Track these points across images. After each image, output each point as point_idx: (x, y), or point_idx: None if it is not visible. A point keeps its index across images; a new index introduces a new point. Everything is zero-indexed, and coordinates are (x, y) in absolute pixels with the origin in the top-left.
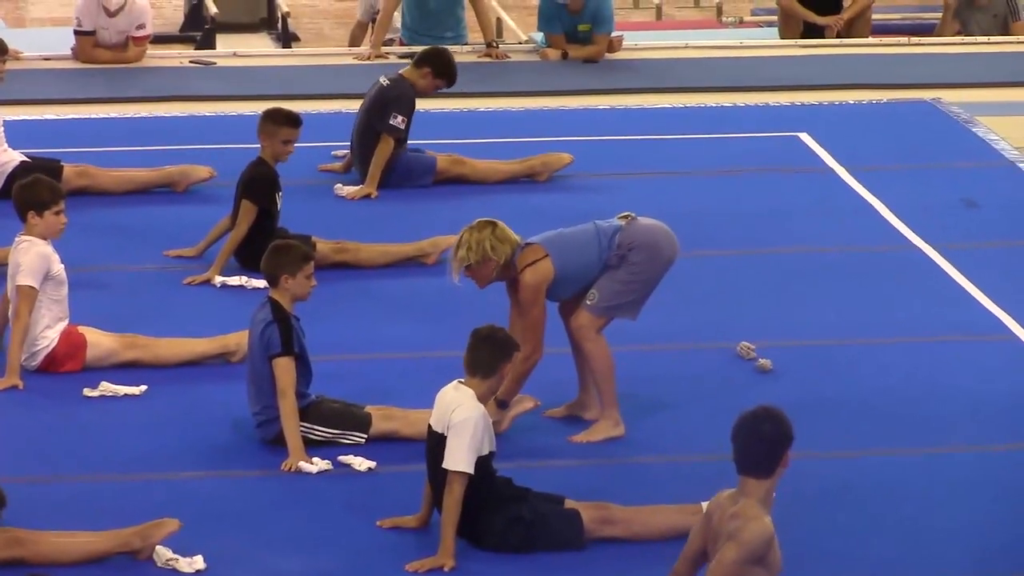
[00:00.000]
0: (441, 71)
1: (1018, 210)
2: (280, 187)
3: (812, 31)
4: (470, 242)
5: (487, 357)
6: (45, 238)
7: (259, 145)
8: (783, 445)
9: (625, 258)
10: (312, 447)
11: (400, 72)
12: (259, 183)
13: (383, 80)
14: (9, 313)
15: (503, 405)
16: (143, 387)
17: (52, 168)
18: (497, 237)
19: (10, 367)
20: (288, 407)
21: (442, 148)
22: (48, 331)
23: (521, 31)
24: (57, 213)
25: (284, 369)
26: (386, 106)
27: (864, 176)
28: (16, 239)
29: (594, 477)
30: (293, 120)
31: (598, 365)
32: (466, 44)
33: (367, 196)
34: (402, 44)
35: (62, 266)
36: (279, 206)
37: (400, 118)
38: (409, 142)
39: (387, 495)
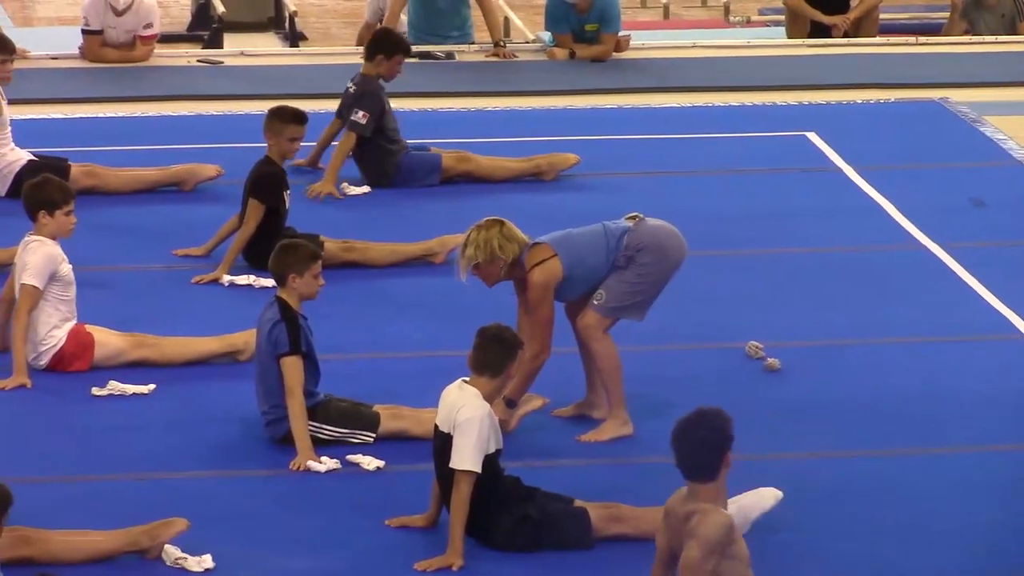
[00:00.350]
0: (390, 49)
1: None
2: (288, 186)
3: (819, 30)
4: (478, 240)
5: (494, 356)
6: (55, 238)
7: (266, 144)
8: (722, 448)
9: (633, 259)
10: (321, 446)
11: (360, 71)
12: (266, 182)
13: (349, 85)
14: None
15: (511, 404)
16: (151, 386)
17: (59, 167)
18: (505, 236)
19: (17, 365)
20: (296, 406)
21: (449, 148)
22: (56, 331)
23: (528, 30)
24: (67, 213)
25: (292, 368)
26: (351, 106)
27: (872, 176)
28: (25, 238)
29: (603, 477)
30: (299, 117)
31: (605, 364)
32: (472, 43)
33: (330, 195)
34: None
35: (70, 267)
36: (287, 205)
37: (361, 113)
38: (414, 140)
39: (396, 494)
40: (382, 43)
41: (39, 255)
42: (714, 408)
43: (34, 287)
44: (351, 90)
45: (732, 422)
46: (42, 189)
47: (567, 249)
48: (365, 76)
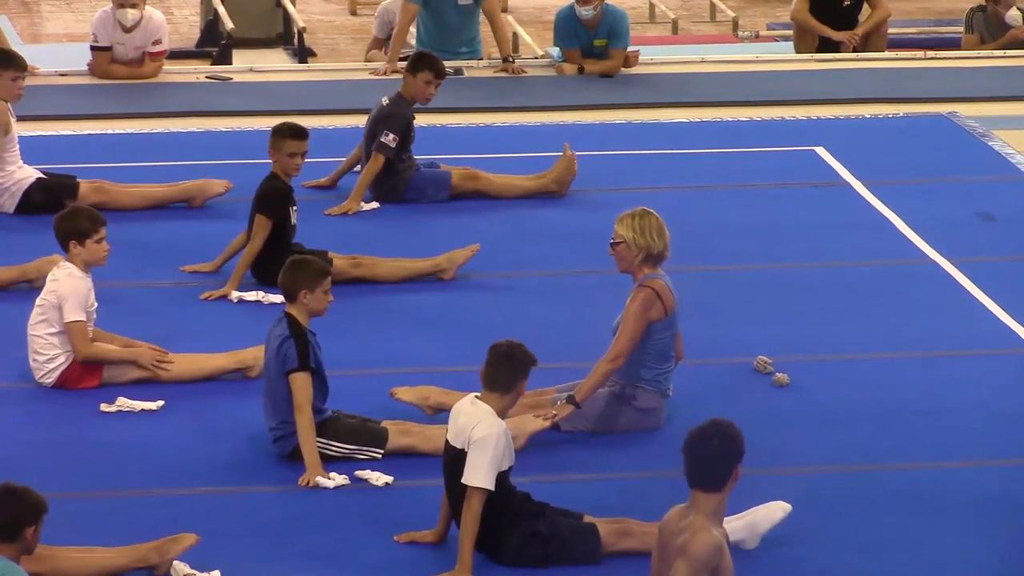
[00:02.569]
0: (418, 67)
1: None
2: (294, 202)
3: (827, 45)
4: (633, 223)
5: (506, 373)
6: (88, 266)
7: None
8: (733, 460)
9: (630, 397)
10: (329, 462)
11: (399, 91)
12: (271, 197)
13: (384, 100)
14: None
15: (572, 399)
16: (160, 402)
17: (68, 184)
18: (657, 233)
19: (124, 355)
20: (305, 422)
21: (459, 163)
22: (65, 352)
23: (537, 46)
24: (99, 241)
25: (301, 384)
26: (379, 124)
27: (880, 190)
28: (61, 263)
29: (612, 492)
30: (297, 133)
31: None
32: (481, 59)
33: (346, 212)
34: None
35: (95, 304)
36: (293, 221)
37: (391, 136)
38: (423, 157)
39: (404, 510)
40: (418, 63)
41: (71, 289)
42: (727, 420)
43: (80, 321)
44: (384, 104)
45: (739, 431)
46: (71, 219)
47: (669, 325)
48: (400, 97)
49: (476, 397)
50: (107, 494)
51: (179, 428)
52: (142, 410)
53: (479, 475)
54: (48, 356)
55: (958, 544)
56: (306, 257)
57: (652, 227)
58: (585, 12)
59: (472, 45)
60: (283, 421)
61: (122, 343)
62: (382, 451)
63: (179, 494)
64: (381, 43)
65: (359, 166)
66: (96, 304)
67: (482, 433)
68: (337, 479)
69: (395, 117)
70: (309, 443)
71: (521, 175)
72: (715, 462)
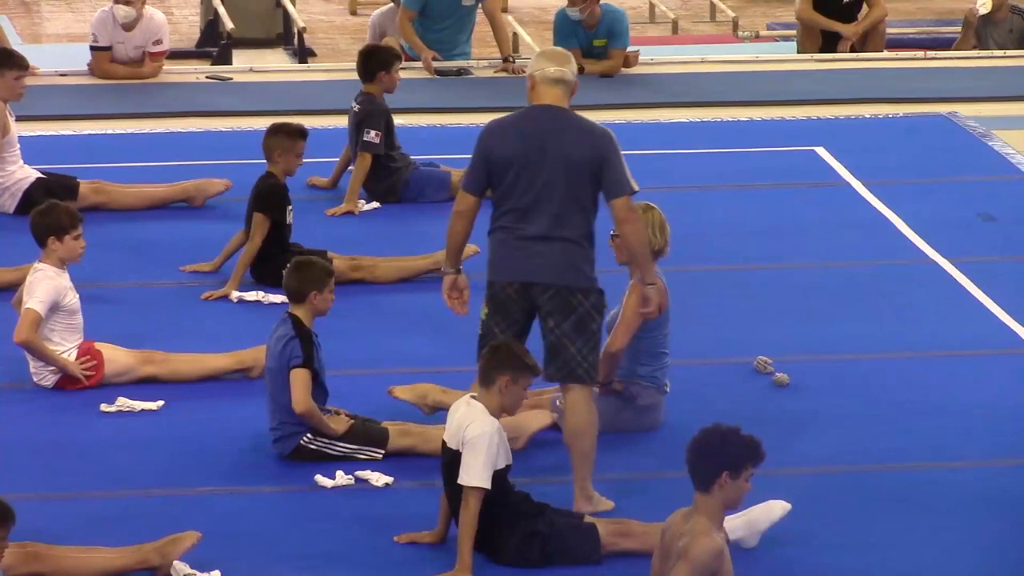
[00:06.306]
0: (387, 63)
1: None
2: (290, 201)
3: (831, 45)
4: (642, 218)
5: (502, 372)
6: (64, 263)
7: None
8: (719, 464)
9: (634, 398)
10: (329, 462)
11: (362, 90)
12: (270, 195)
13: (353, 105)
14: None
15: (600, 385)
16: (160, 402)
17: (68, 185)
18: (652, 229)
19: (63, 365)
20: (306, 410)
21: (459, 163)
22: (64, 354)
23: (537, 46)
24: (76, 238)
25: (301, 379)
26: (360, 128)
27: (880, 190)
28: (35, 264)
29: (612, 492)
30: (304, 133)
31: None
32: (469, 60)
33: (349, 213)
34: (408, 59)
35: (76, 296)
36: (289, 220)
37: (374, 133)
38: (423, 157)
39: (404, 511)
40: (377, 60)
41: (44, 285)
42: (730, 426)
43: (36, 312)
44: (355, 109)
45: (752, 449)
46: (50, 215)
47: (661, 324)
48: (368, 95)
49: (471, 397)
50: (107, 494)
51: (179, 428)
52: (142, 410)
53: (474, 474)
54: (43, 362)
55: (958, 544)
56: (310, 258)
57: (655, 222)
58: (572, 13)
59: (464, 47)
60: (283, 422)
61: (139, 358)
62: (383, 451)
63: (179, 494)
64: None
65: (352, 166)
66: (76, 298)
67: (475, 432)
68: (337, 479)
69: (373, 114)
70: (319, 419)
71: None
72: (702, 462)
